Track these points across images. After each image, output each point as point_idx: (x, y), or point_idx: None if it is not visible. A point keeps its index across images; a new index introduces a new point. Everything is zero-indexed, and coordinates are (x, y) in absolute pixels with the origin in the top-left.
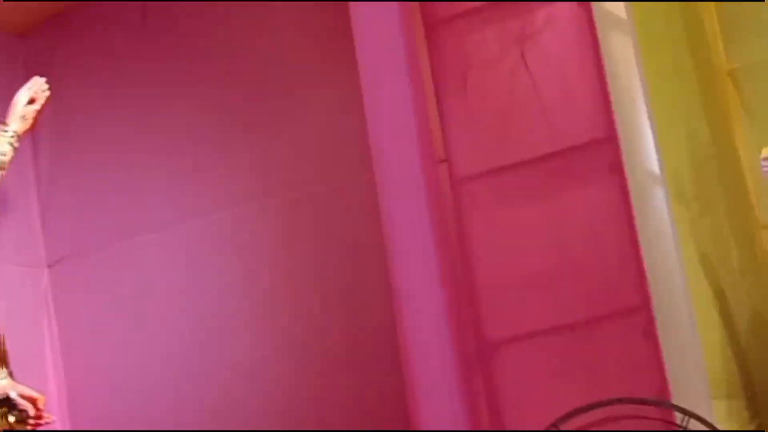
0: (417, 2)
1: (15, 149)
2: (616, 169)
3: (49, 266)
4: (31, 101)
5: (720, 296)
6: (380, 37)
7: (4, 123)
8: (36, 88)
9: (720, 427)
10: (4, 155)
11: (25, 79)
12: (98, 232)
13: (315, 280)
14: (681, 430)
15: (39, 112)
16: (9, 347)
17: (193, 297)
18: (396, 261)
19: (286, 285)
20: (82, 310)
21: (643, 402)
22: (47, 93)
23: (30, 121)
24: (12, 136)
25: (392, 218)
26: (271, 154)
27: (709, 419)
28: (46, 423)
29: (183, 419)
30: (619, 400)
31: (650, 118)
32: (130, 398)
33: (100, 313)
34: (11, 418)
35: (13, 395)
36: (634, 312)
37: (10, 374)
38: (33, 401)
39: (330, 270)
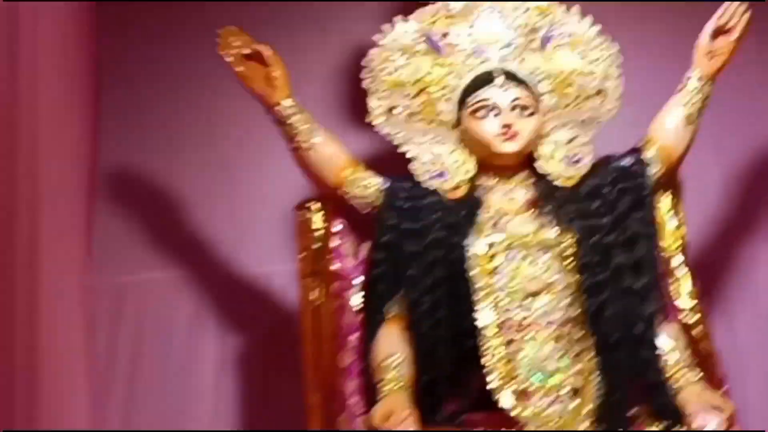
0: None
1: (704, 98)
2: None
3: None
4: (724, 32)
5: None
6: None
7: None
8: (728, 14)
9: None
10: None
11: None
12: None
13: None
14: None
15: (737, 43)
16: None
17: None
18: None
19: None
20: None
21: None
22: (746, 16)
23: (723, 57)
24: (699, 79)
25: None
26: None
27: None
28: None
29: None
30: None
31: None
32: None
33: None
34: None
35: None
36: None
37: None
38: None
39: None
